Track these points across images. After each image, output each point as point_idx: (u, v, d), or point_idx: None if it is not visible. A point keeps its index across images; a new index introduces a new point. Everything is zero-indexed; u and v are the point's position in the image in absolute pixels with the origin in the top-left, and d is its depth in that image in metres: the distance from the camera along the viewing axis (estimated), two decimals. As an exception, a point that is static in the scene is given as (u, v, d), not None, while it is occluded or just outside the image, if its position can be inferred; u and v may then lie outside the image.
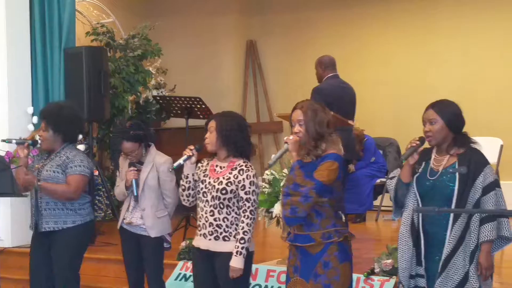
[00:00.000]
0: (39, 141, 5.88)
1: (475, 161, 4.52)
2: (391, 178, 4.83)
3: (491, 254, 4.49)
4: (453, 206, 4.48)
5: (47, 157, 5.85)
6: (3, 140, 6.23)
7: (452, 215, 4.50)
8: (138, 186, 5.70)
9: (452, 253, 4.49)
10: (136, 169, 5.72)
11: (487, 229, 4.43)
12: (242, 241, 4.93)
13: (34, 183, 5.62)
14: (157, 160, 5.76)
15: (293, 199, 4.59)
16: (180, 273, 6.91)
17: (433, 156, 4.67)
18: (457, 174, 4.49)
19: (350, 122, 8.96)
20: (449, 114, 4.58)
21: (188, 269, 6.78)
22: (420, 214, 4.61)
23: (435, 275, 4.55)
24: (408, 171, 4.66)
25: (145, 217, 5.73)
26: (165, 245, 5.88)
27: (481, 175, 4.47)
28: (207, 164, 5.17)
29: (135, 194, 5.70)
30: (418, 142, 4.58)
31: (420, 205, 4.61)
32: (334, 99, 7.88)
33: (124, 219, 5.83)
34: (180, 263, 6.98)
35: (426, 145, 4.67)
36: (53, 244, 5.79)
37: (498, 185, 4.51)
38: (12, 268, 7.49)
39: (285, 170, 6.53)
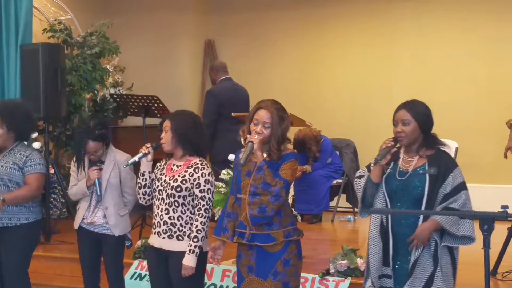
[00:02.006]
0: None
1: (445, 162, 4.54)
2: (359, 178, 4.80)
3: (430, 232, 4.46)
4: (423, 207, 4.49)
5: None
6: None
7: (422, 216, 4.52)
8: (101, 185, 5.68)
9: (421, 254, 4.51)
10: (98, 168, 5.70)
11: (441, 216, 4.45)
12: (195, 240, 4.93)
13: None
14: (118, 158, 5.74)
15: (262, 198, 4.62)
16: (135, 272, 6.90)
17: (401, 157, 4.68)
18: (427, 175, 4.51)
19: (307, 123, 9.05)
20: (421, 115, 4.60)
21: (143, 268, 6.77)
22: (389, 216, 4.61)
23: (403, 276, 4.56)
24: (379, 171, 4.65)
25: (108, 216, 5.70)
26: (127, 243, 5.87)
27: (450, 176, 4.49)
28: (165, 163, 5.17)
29: (99, 193, 5.67)
30: (392, 143, 4.58)
31: (389, 205, 4.61)
32: (226, 100, 8.49)
33: (84, 218, 5.78)
34: (136, 262, 6.97)
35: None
36: (4, 241, 5.74)
37: (466, 187, 4.53)
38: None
39: (229, 171, 6.56)
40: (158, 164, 5.21)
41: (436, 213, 4.47)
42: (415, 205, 4.53)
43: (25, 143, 5.98)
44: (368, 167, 4.78)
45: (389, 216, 4.63)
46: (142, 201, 5.25)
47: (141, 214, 7.95)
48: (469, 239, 4.50)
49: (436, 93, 10.55)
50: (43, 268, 7.11)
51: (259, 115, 4.73)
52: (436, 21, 10.83)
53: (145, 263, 6.58)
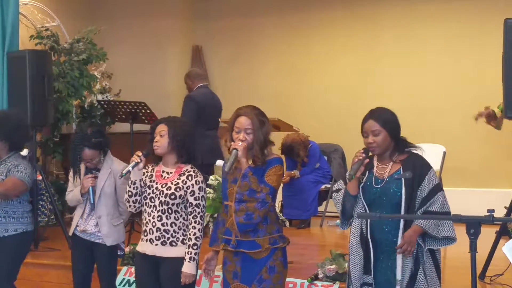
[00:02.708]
0: None
1: (419, 165, 4.56)
2: (337, 191, 4.81)
3: (417, 236, 4.48)
4: (402, 211, 4.49)
5: None
6: None
7: (402, 221, 4.53)
8: (95, 193, 5.65)
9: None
10: (93, 176, 5.68)
11: (422, 220, 4.47)
12: (194, 247, 4.94)
13: None
14: (114, 167, 5.70)
15: (248, 205, 4.62)
16: (124, 279, 6.89)
17: (375, 165, 4.68)
18: (403, 180, 4.52)
19: (295, 128, 9.09)
20: (389, 122, 4.60)
21: (132, 275, 6.76)
22: (369, 223, 4.61)
23: (384, 283, 4.57)
24: (355, 183, 4.63)
25: (101, 225, 5.67)
26: (119, 252, 5.85)
27: (426, 178, 4.51)
28: (152, 169, 5.16)
29: (92, 201, 5.65)
30: (363, 155, 4.57)
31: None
32: (206, 106, 8.54)
33: (77, 226, 5.77)
34: (124, 269, 6.96)
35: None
36: None
37: (442, 188, 4.56)
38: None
39: (217, 177, 6.57)
40: (144, 170, 5.19)
41: (421, 217, 4.49)
42: (395, 210, 4.54)
43: (20, 153, 5.93)
44: (345, 180, 4.76)
45: (368, 224, 4.62)
46: (132, 209, 5.22)
47: (130, 220, 7.94)
48: (450, 240, 4.54)
49: (423, 98, 10.61)
50: (31, 275, 7.08)
51: (240, 122, 4.73)
52: (421, 27, 10.87)
53: (133, 269, 6.57)
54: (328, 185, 9.84)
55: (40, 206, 8.71)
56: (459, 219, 3.58)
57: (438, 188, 4.54)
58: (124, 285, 6.83)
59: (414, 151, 4.67)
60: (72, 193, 5.78)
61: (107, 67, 10.95)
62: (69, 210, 6.02)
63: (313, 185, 9.73)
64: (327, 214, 9.99)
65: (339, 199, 4.77)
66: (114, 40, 11.37)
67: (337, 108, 11.28)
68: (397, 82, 10.92)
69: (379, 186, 4.60)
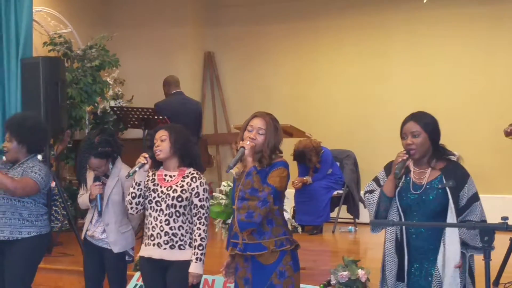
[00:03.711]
0: (5, 151, 5.84)
1: (459, 174, 4.49)
2: (370, 192, 4.71)
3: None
4: (454, 220, 4.38)
5: (10, 167, 5.81)
6: None
7: (446, 229, 4.42)
8: (102, 200, 5.66)
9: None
10: (101, 183, 5.69)
11: (461, 230, 4.38)
12: (200, 248, 5.00)
13: None
14: (122, 175, 5.70)
15: (250, 203, 4.61)
16: (136, 284, 6.90)
17: (412, 170, 4.60)
18: (447, 189, 4.43)
19: (307, 134, 9.09)
20: (430, 126, 4.55)
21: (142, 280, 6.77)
22: (404, 229, 4.54)
23: None
24: (392, 185, 4.56)
25: (108, 232, 5.68)
26: (127, 258, 5.85)
27: (466, 186, 4.44)
28: (154, 174, 5.20)
29: (99, 209, 5.66)
30: (406, 155, 4.50)
31: (403, 220, 4.53)
32: (172, 114, 8.57)
33: (87, 230, 5.79)
34: (137, 274, 6.96)
35: None
36: (6, 254, 5.73)
37: (479, 198, 4.48)
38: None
39: (229, 183, 6.58)
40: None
41: (445, 224, 4.42)
42: (431, 218, 4.47)
43: (38, 157, 5.96)
44: (376, 180, 4.73)
45: (404, 231, 4.56)
46: (134, 211, 5.22)
47: (141, 226, 7.94)
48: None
49: (433, 103, 10.52)
50: (44, 280, 7.11)
51: (254, 122, 4.75)
52: (432, 33, 10.85)
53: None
54: (341, 191, 9.84)
55: (53, 212, 8.73)
56: (472, 226, 3.57)
57: (476, 198, 4.47)
58: (137, 291, 6.84)
59: (452, 159, 4.61)
60: (81, 198, 5.82)
61: (120, 74, 10.97)
62: (82, 215, 6.06)
63: (326, 191, 9.73)
64: (339, 220, 9.99)
65: (373, 200, 4.66)
66: (126, 47, 11.41)
67: (350, 114, 11.27)
68: (409, 88, 10.91)
69: (417, 192, 4.52)
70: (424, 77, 10.88)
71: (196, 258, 5.00)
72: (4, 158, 5.90)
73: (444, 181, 4.47)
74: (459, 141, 9.85)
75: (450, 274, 4.40)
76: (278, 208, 4.71)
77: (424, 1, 9.50)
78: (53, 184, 8.20)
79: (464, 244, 4.44)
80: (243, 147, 4.66)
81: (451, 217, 4.41)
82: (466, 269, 4.48)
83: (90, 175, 5.78)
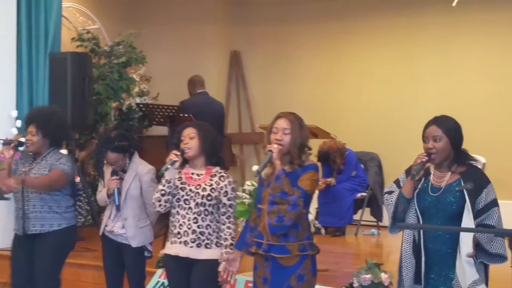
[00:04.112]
0: (26, 144, 5.88)
1: (478, 178, 4.47)
2: (389, 193, 4.72)
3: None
4: (470, 221, 4.38)
5: (33, 161, 5.88)
6: None
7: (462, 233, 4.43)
8: (120, 195, 5.70)
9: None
10: (118, 178, 5.73)
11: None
12: (231, 247, 5.01)
13: (15, 187, 5.64)
14: (140, 170, 5.77)
15: (280, 207, 4.60)
16: (158, 281, 6.91)
17: (432, 172, 4.59)
18: (465, 191, 4.42)
19: (332, 135, 9.08)
20: (452, 130, 4.54)
21: (166, 277, 6.78)
22: (422, 232, 4.54)
23: None
24: (411, 186, 4.56)
25: (127, 227, 5.73)
26: (146, 253, 5.89)
27: (484, 191, 4.42)
28: (180, 172, 5.19)
29: (117, 203, 5.70)
30: (426, 158, 4.49)
31: (421, 222, 4.53)
32: (196, 113, 8.44)
33: (106, 226, 5.83)
34: (159, 271, 6.97)
35: None
36: (37, 247, 5.82)
37: (498, 204, 4.46)
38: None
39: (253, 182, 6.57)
40: None
41: (468, 230, 4.40)
42: (449, 221, 4.46)
43: (58, 149, 6.03)
44: (397, 182, 4.73)
45: (421, 233, 4.56)
46: (162, 208, 5.19)
47: (165, 223, 7.96)
48: (501, 258, 4.43)
49: (462, 106, 10.48)
50: (67, 275, 7.13)
51: (278, 123, 4.74)
52: (459, 36, 10.78)
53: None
54: (364, 194, 9.81)
55: (77, 207, 8.77)
56: (501, 232, 3.53)
57: (494, 203, 4.44)
58: (159, 287, 6.86)
59: (474, 164, 4.59)
60: (100, 194, 5.88)
61: (146, 71, 11.01)
62: (105, 210, 6.13)
63: (349, 193, 9.70)
64: (362, 222, 9.96)
65: (391, 201, 4.66)
66: (153, 44, 11.44)
67: (375, 116, 11.22)
68: (435, 91, 10.83)
69: (436, 194, 4.52)
70: (451, 80, 10.80)
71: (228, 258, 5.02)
72: (21, 148, 5.96)
73: (462, 184, 4.46)
74: (486, 145, 9.85)
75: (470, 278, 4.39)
76: (305, 212, 4.72)
77: (453, 5, 9.45)
78: (77, 179, 8.27)
79: (476, 249, 4.43)
80: (271, 150, 4.66)
81: (468, 218, 4.40)
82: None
83: (107, 171, 5.83)
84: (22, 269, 5.89)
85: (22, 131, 6.03)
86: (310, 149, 4.84)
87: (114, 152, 5.67)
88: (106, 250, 5.90)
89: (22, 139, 6.04)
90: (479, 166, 4.65)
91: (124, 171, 5.78)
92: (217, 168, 5.16)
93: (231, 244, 5.02)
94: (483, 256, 4.44)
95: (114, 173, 5.75)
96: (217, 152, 5.21)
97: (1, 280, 7.03)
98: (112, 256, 5.85)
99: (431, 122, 4.60)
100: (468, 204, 4.40)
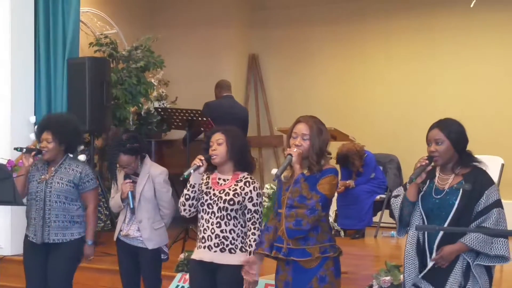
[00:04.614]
0: (43, 151, 5.92)
1: (480, 180, 4.51)
2: (395, 197, 4.79)
3: (456, 254, 4.46)
4: (448, 220, 4.46)
5: (48, 168, 5.92)
6: (15, 149, 6.25)
7: (441, 233, 4.50)
8: (134, 198, 5.70)
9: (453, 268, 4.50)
10: (131, 181, 5.73)
11: (471, 236, 4.42)
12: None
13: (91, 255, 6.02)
14: (152, 172, 5.78)
15: (298, 211, 4.60)
16: (178, 285, 6.91)
17: (437, 175, 4.64)
18: (460, 190, 4.48)
19: (351, 137, 9.05)
20: (454, 133, 4.56)
21: (186, 281, 6.77)
22: (426, 232, 4.58)
23: None
24: (415, 190, 4.63)
25: (142, 229, 5.74)
26: (162, 256, 5.90)
27: (485, 193, 4.45)
28: (208, 177, 5.18)
29: (132, 206, 5.70)
30: (427, 161, 4.54)
31: (426, 223, 4.57)
32: (219, 115, 8.68)
33: (120, 231, 5.84)
34: (178, 275, 6.97)
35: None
36: (54, 254, 5.85)
37: (501, 205, 4.48)
38: (11, 276, 7.49)
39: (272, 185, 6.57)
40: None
41: (475, 230, 4.42)
42: (451, 222, 4.49)
43: (71, 155, 6.08)
44: (404, 186, 4.76)
45: (426, 234, 4.60)
46: (186, 213, 5.18)
47: (184, 227, 7.97)
48: (503, 259, 4.47)
49: (481, 109, 10.47)
50: (85, 279, 7.16)
51: (298, 128, 4.73)
52: (480, 36, 10.73)
53: (187, 276, 6.59)
54: (383, 196, 9.77)
55: (96, 211, 8.81)
56: (504, 233, 3.52)
57: (495, 205, 4.46)
58: (178, 292, 6.86)
59: (478, 166, 4.61)
60: (113, 200, 5.88)
61: (164, 75, 11.03)
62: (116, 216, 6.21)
63: (368, 195, 9.67)
64: (382, 224, 9.91)
65: (397, 205, 4.74)
66: (171, 48, 11.47)
67: (393, 118, 11.19)
68: (454, 92, 10.79)
69: (439, 196, 4.56)
70: (469, 81, 10.76)
71: None
72: (40, 156, 5.99)
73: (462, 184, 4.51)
74: (504, 146, 9.79)
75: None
76: (324, 215, 4.70)
77: (471, 6, 9.40)
78: (96, 183, 8.30)
79: (475, 252, 4.48)
80: (290, 154, 4.65)
81: (452, 219, 4.47)
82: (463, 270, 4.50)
83: (120, 175, 5.83)
84: (38, 275, 5.95)
85: (38, 137, 6.06)
86: (329, 153, 4.84)
87: (127, 155, 5.66)
88: (122, 254, 5.90)
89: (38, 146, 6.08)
90: (485, 168, 4.62)
91: (137, 175, 5.78)
92: (245, 174, 5.11)
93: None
94: (483, 259, 4.48)
95: (127, 176, 5.76)
96: (245, 157, 5.17)
97: (20, 286, 7.05)
98: (128, 261, 5.86)
99: (433, 126, 4.66)
100: (455, 204, 4.48)
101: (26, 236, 6.04)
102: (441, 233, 4.54)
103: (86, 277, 7.20)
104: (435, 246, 4.51)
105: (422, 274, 4.57)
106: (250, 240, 5.01)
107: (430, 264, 4.52)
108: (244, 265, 4.96)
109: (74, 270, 6.04)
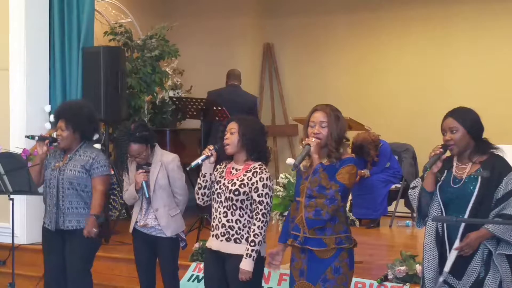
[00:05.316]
0: (58, 140, 5.93)
1: (498, 166, 4.48)
2: (413, 188, 4.75)
3: (481, 241, 4.43)
4: (468, 210, 4.43)
5: (64, 156, 5.92)
6: (27, 136, 6.27)
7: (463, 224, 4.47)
8: (149, 187, 5.71)
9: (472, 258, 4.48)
10: (144, 171, 5.73)
11: (495, 224, 4.39)
12: (252, 244, 4.93)
13: (95, 232, 5.88)
14: (164, 159, 5.79)
15: (318, 201, 4.60)
16: (193, 274, 6.93)
17: (454, 164, 4.61)
18: (479, 178, 4.45)
19: (366, 127, 9.03)
20: (469, 121, 4.54)
21: (201, 271, 6.80)
22: (445, 224, 4.55)
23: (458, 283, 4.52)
24: (432, 179, 4.59)
25: (159, 217, 5.75)
26: (181, 243, 5.90)
27: (504, 180, 4.42)
28: (225, 166, 5.18)
29: (147, 196, 5.71)
30: (441, 150, 4.52)
31: (444, 214, 4.54)
32: (221, 102, 8.61)
33: (137, 221, 5.84)
34: (193, 264, 6.99)
35: (448, 153, 4.63)
36: (70, 241, 5.88)
37: None
38: (27, 265, 7.55)
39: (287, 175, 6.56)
40: (218, 166, 5.20)
41: (496, 221, 4.38)
42: (470, 211, 4.46)
43: (89, 143, 6.08)
44: (422, 177, 4.73)
45: (445, 225, 4.56)
46: (200, 201, 5.23)
47: (199, 216, 7.98)
48: None
49: (497, 96, 10.40)
50: (101, 268, 7.19)
51: (315, 116, 4.74)
52: (496, 26, 10.66)
53: (202, 265, 6.60)
54: (399, 185, 9.74)
55: (111, 201, 8.83)
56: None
57: None
58: (193, 281, 6.87)
59: (496, 153, 4.58)
60: (128, 192, 5.87)
61: (179, 64, 11.03)
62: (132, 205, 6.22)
63: (383, 184, 9.64)
64: (397, 214, 9.89)
65: (415, 196, 4.71)
66: (186, 37, 11.45)
67: (409, 107, 11.14)
68: (471, 81, 10.73)
69: (457, 186, 4.53)
70: (486, 70, 10.69)
71: (246, 254, 4.93)
72: (55, 144, 6.00)
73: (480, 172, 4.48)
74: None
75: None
76: (343, 205, 4.70)
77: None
78: (111, 172, 8.31)
79: (496, 240, 4.45)
80: (308, 144, 4.64)
81: (472, 207, 4.44)
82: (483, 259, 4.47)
83: (132, 167, 5.83)
84: (55, 263, 5.97)
85: (55, 126, 6.07)
86: (348, 140, 4.84)
87: (137, 143, 5.65)
88: (138, 244, 5.92)
89: (54, 135, 6.09)
90: (502, 155, 4.59)
91: (148, 164, 5.78)
92: (256, 164, 5.07)
93: (252, 242, 4.91)
94: (505, 247, 4.45)
95: (139, 167, 5.76)
96: (259, 147, 5.11)
97: (36, 274, 7.09)
98: (145, 251, 5.87)
99: (448, 115, 4.63)
100: (475, 192, 4.44)
101: (44, 223, 6.06)
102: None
103: (102, 266, 7.22)
104: (459, 235, 4.47)
105: (448, 268, 4.51)
106: (250, 231, 4.97)
107: (453, 254, 4.47)
108: (267, 256, 4.96)
109: (91, 257, 6.06)
